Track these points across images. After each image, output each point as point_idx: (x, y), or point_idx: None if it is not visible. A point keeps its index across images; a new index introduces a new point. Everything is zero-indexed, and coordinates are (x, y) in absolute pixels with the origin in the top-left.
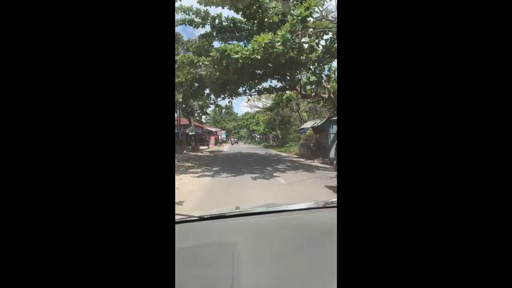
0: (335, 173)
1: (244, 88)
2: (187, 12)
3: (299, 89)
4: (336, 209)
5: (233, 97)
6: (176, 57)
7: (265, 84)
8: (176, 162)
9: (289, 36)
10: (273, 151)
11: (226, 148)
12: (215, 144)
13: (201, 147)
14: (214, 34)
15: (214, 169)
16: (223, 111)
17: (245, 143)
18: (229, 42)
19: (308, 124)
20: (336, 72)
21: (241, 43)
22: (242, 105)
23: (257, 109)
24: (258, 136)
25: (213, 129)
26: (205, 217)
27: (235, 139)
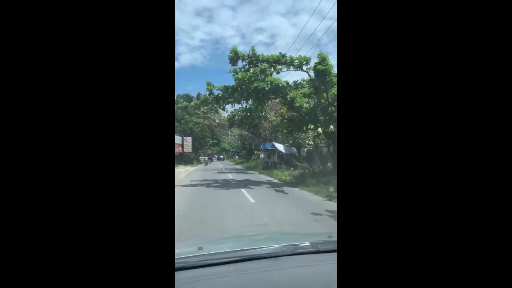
0: None
1: None
2: None
3: None
4: (307, 255)
5: None
6: None
7: None
8: None
9: None
10: None
11: None
12: None
13: None
14: None
15: None
16: (191, 104)
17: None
18: None
19: None
20: None
21: None
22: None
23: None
24: (271, 149)
25: None
26: None
27: (209, 157)
